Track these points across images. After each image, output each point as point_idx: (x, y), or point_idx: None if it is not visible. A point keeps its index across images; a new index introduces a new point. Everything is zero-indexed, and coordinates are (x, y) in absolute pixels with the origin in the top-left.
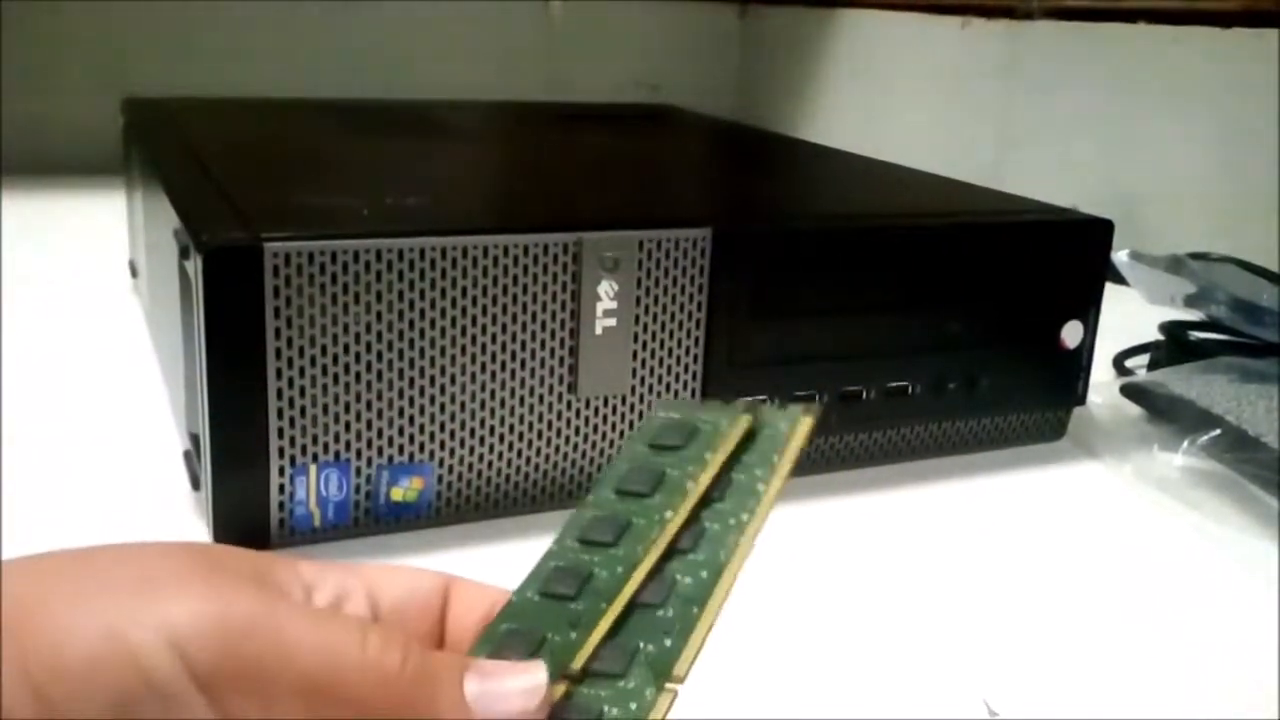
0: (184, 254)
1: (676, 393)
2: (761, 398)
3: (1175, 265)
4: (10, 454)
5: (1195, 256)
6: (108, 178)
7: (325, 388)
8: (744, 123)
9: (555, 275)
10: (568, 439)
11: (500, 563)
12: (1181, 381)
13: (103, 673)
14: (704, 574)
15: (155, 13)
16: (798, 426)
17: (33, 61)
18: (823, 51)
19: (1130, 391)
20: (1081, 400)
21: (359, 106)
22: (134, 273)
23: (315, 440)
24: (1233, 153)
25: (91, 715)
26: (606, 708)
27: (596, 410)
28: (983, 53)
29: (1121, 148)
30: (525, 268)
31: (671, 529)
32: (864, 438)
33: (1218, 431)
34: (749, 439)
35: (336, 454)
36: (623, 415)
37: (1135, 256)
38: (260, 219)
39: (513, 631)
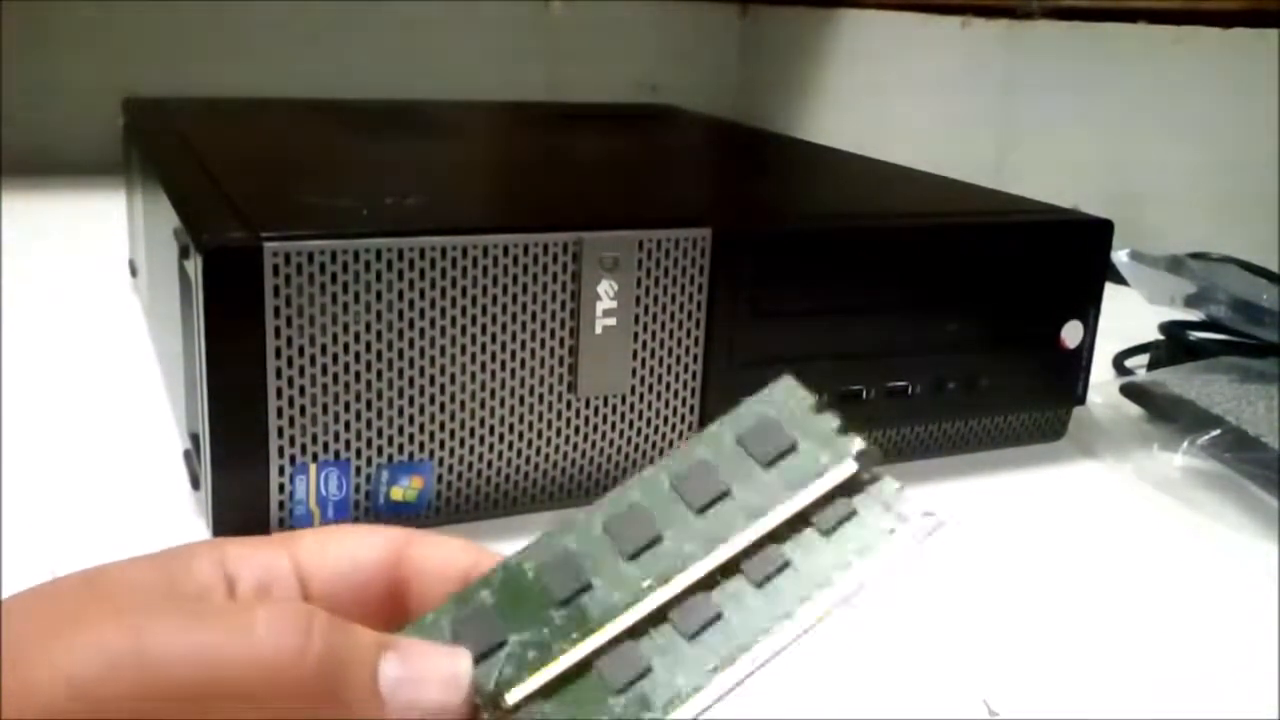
0: (184, 254)
1: (676, 392)
2: (879, 449)
3: (1175, 265)
4: (10, 454)
5: (1195, 256)
6: (108, 178)
7: (325, 387)
8: (744, 123)
9: (555, 275)
10: (567, 439)
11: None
12: (1181, 381)
13: None
14: (680, 682)
15: (155, 13)
16: (898, 536)
17: (33, 61)
18: (823, 51)
19: (1130, 391)
20: (1081, 400)
21: (359, 106)
22: (134, 272)
23: (315, 439)
24: (1233, 153)
25: None
26: None
27: (596, 410)
28: (983, 52)
29: (1121, 148)
30: (525, 267)
31: (687, 577)
32: (864, 438)
33: (1218, 431)
34: (848, 519)
35: (336, 453)
36: (622, 415)
37: (1135, 256)
38: (260, 219)
39: (487, 609)
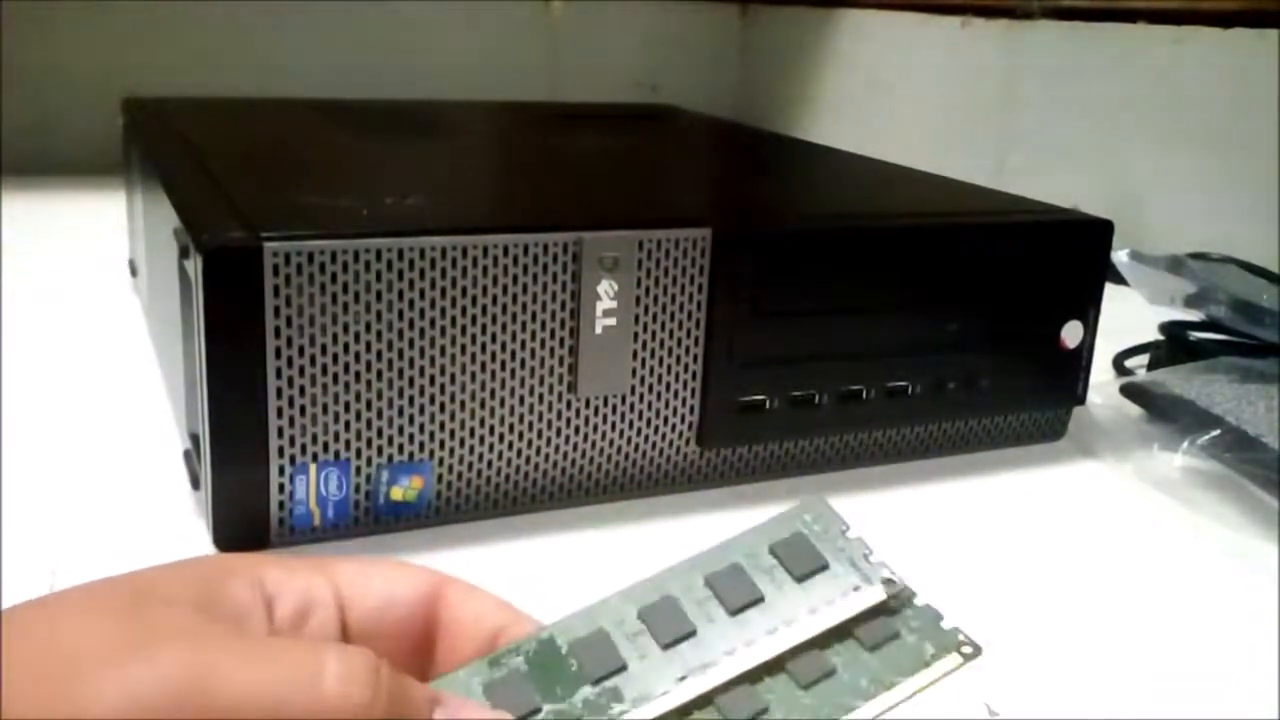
0: (184, 254)
1: (676, 392)
2: (907, 588)
3: (1175, 265)
4: (10, 454)
5: (1195, 256)
6: (108, 178)
7: (325, 387)
8: (744, 123)
9: (555, 275)
10: (567, 439)
11: (500, 562)
12: (1181, 381)
13: None
14: None
15: (155, 13)
16: (941, 659)
17: (33, 62)
18: (823, 51)
19: (1130, 391)
20: (1081, 400)
21: (359, 106)
22: (134, 272)
23: (315, 440)
24: (1233, 153)
25: None
26: None
27: (596, 410)
28: (983, 53)
29: (1121, 148)
30: (525, 267)
31: (717, 676)
32: (864, 438)
33: (1218, 431)
34: (890, 639)
35: (336, 453)
36: (622, 415)
37: (1135, 256)
38: (260, 219)
39: (521, 675)
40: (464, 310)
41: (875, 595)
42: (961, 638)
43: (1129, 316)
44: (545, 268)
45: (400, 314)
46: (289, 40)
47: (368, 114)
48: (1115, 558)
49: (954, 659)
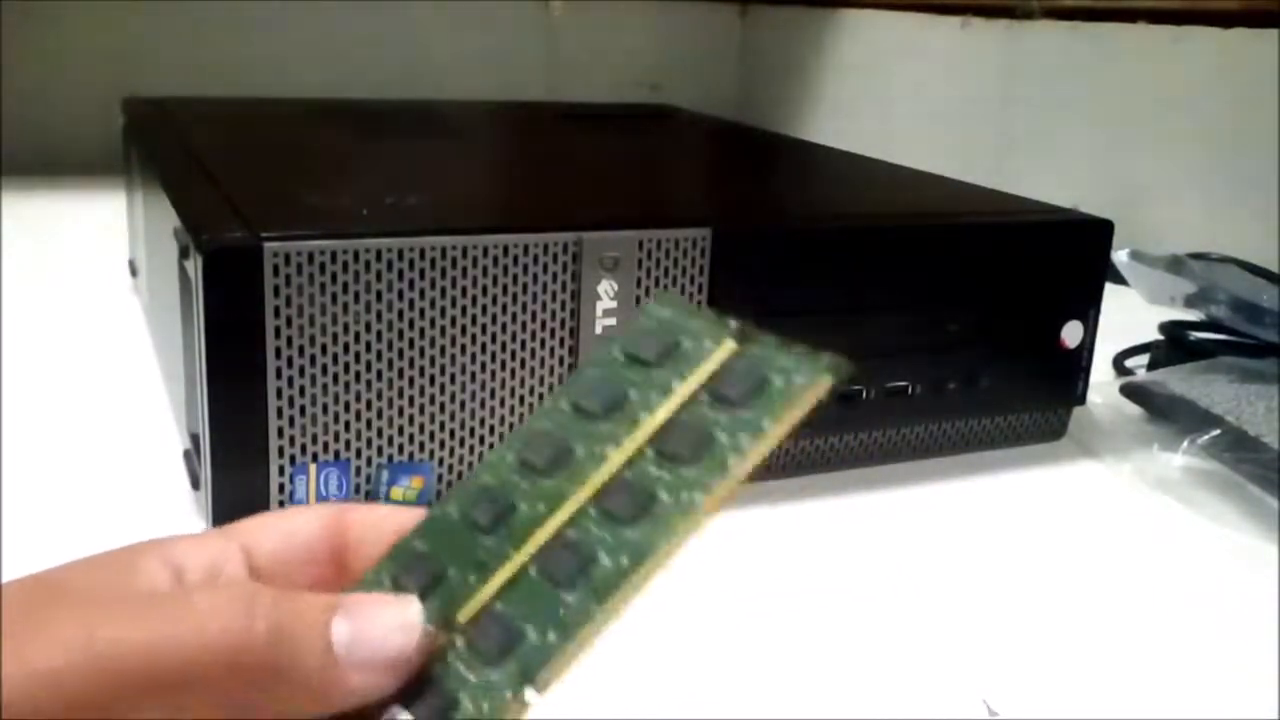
0: (184, 254)
1: None
2: (753, 326)
3: (1175, 265)
4: (10, 454)
5: (1195, 256)
6: (108, 178)
7: (325, 387)
8: (744, 123)
9: (555, 275)
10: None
11: None
12: (1181, 381)
13: None
14: (625, 560)
15: (155, 13)
16: (811, 387)
17: (33, 61)
18: (823, 51)
19: (1130, 391)
20: (1081, 400)
21: (359, 106)
22: (134, 272)
23: (315, 440)
24: (1233, 152)
25: None
26: (464, 696)
27: None
28: (983, 53)
29: (1121, 148)
30: (525, 267)
31: (605, 470)
32: (864, 438)
33: (1218, 431)
34: (756, 389)
35: (336, 453)
36: None
37: (1135, 256)
38: (260, 219)
39: (421, 554)
40: (464, 310)
41: (729, 347)
42: (827, 360)
43: (1129, 316)
44: (545, 268)
45: (400, 314)
46: (289, 40)
47: (368, 114)
48: (1115, 558)
49: (822, 384)
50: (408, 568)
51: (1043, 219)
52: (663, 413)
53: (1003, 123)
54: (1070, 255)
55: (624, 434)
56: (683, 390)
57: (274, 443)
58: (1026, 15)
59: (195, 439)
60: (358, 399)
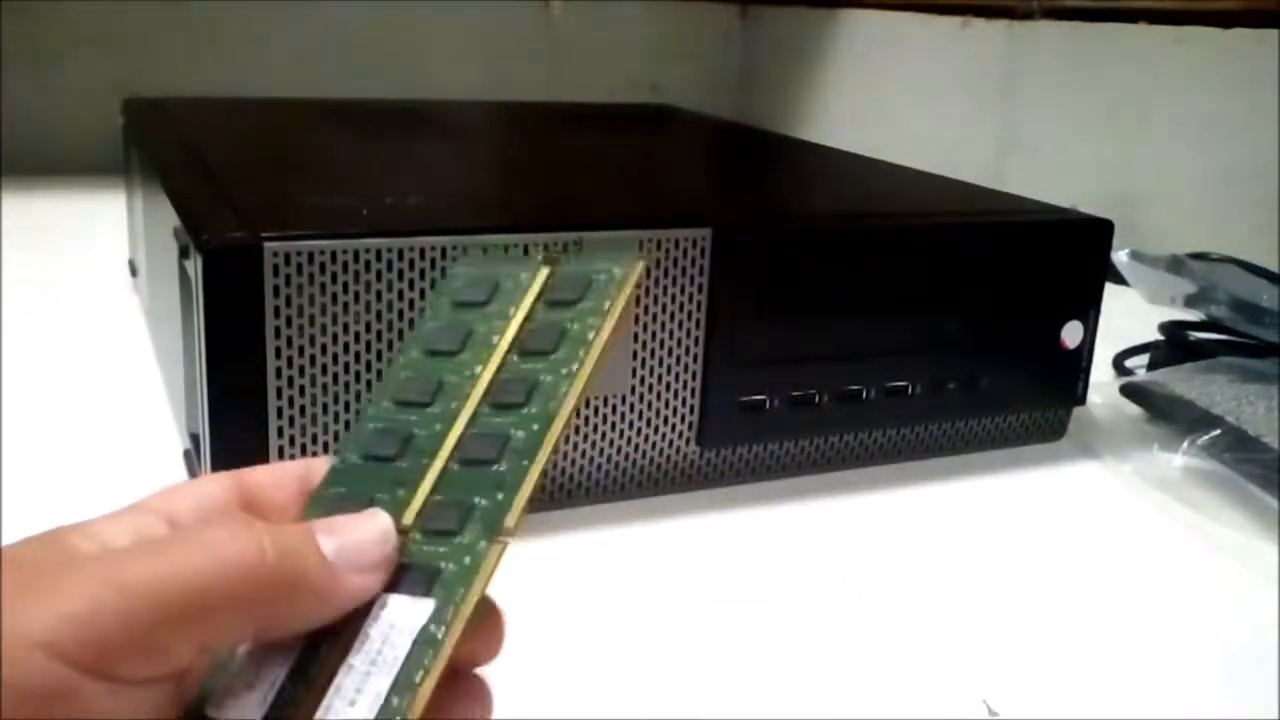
0: (184, 254)
1: (676, 392)
2: (559, 249)
3: (1175, 265)
4: (10, 454)
5: (1195, 256)
6: (108, 178)
7: (325, 387)
8: (744, 123)
9: None
10: (567, 439)
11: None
12: (1181, 381)
13: None
14: (535, 426)
15: (155, 13)
16: (630, 273)
17: (33, 62)
18: (823, 51)
19: (1130, 391)
20: (1081, 400)
21: (359, 106)
22: (134, 272)
23: (315, 440)
24: (1233, 153)
25: None
26: (443, 563)
27: (596, 410)
28: (983, 53)
29: (1121, 148)
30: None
31: (482, 383)
32: (864, 438)
33: (1218, 431)
34: (586, 286)
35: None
36: (623, 415)
37: (1135, 256)
38: (260, 219)
39: (339, 495)
40: None
41: (541, 274)
42: (633, 254)
43: (1129, 316)
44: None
45: (400, 314)
46: (289, 40)
47: (368, 114)
48: (1115, 558)
49: (637, 269)
50: (335, 508)
51: (1042, 219)
52: (511, 330)
53: (1003, 123)
54: (1070, 255)
55: (484, 357)
56: (520, 311)
57: (274, 443)
58: (1026, 15)
59: (195, 439)
60: (358, 399)
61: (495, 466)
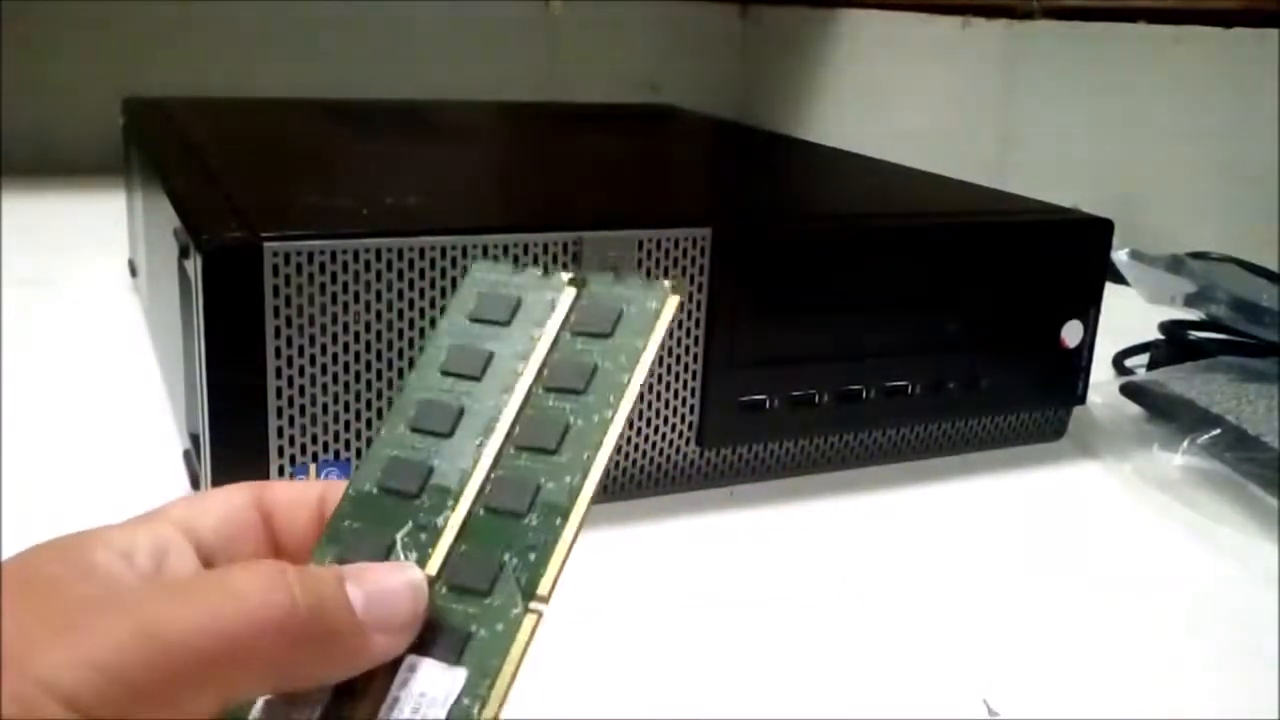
0: (184, 254)
1: (676, 392)
2: (582, 272)
3: (1175, 265)
4: (10, 454)
5: (1195, 256)
6: (108, 178)
7: (325, 387)
8: (744, 123)
9: None
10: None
11: None
12: (1181, 381)
13: None
14: (569, 479)
15: (155, 13)
16: (664, 308)
17: (33, 61)
18: (823, 51)
19: (1130, 391)
20: (1081, 400)
21: (359, 106)
22: (134, 272)
23: (315, 440)
24: (1233, 153)
25: None
26: (473, 627)
27: None
28: (983, 53)
29: (1121, 148)
30: (525, 267)
31: (506, 418)
32: (864, 438)
33: (1218, 431)
34: (617, 319)
35: (336, 453)
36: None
37: (1135, 256)
38: (260, 219)
39: (358, 531)
40: None
41: (568, 295)
42: (669, 283)
43: (1129, 316)
44: (545, 268)
45: (400, 314)
46: (289, 40)
47: (368, 114)
48: (1115, 558)
49: (672, 303)
50: (353, 547)
51: (1042, 219)
52: (536, 360)
53: (1003, 123)
54: (1070, 255)
55: (507, 386)
56: (545, 338)
57: (274, 443)
58: (1026, 15)
59: (195, 439)
60: (358, 399)
61: (525, 520)
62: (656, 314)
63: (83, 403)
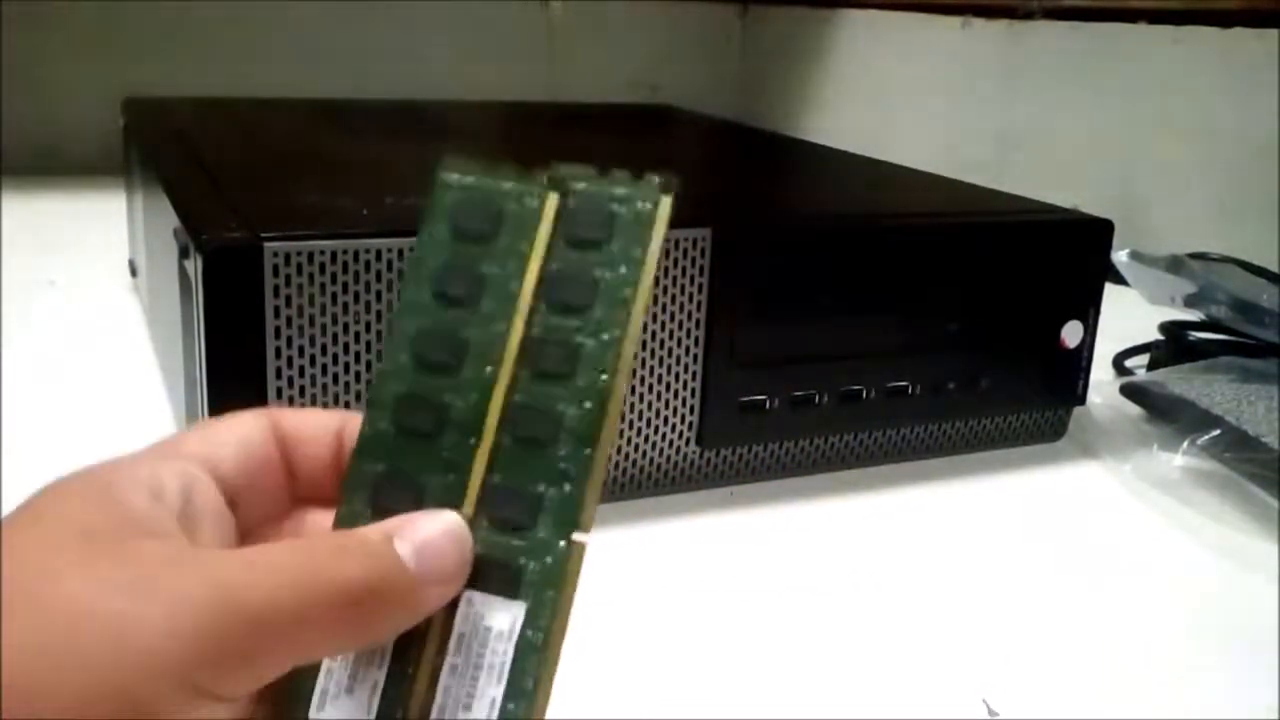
0: (184, 254)
1: (676, 392)
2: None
3: (1175, 265)
4: (10, 454)
5: (1195, 256)
6: (108, 178)
7: (325, 387)
8: (744, 123)
9: None
10: None
11: None
12: (1181, 381)
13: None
14: (588, 404)
15: (155, 13)
16: (660, 207)
17: (33, 61)
18: (823, 51)
19: (1130, 391)
20: (1081, 400)
21: (359, 106)
22: (134, 272)
23: None
24: (1233, 153)
25: None
26: (523, 559)
27: None
28: (983, 53)
29: (1121, 148)
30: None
31: (513, 342)
32: (864, 438)
33: (1218, 431)
34: (610, 222)
35: None
36: (622, 415)
37: (1135, 256)
38: (260, 219)
39: (384, 474)
40: None
41: (553, 201)
42: (656, 179)
43: (1129, 316)
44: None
45: None
46: (289, 40)
47: (368, 114)
48: (1115, 558)
49: (666, 204)
50: (382, 492)
51: (1043, 219)
52: (532, 275)
53: (1003, 123)
54: (1070, 255)
55: (507, 310)
56: (537, 250)
57: None
58: (1026, 15)
59: None
60: (358, 399)
61: (554, 449)
62: (651, 217)
63: (83, 403)
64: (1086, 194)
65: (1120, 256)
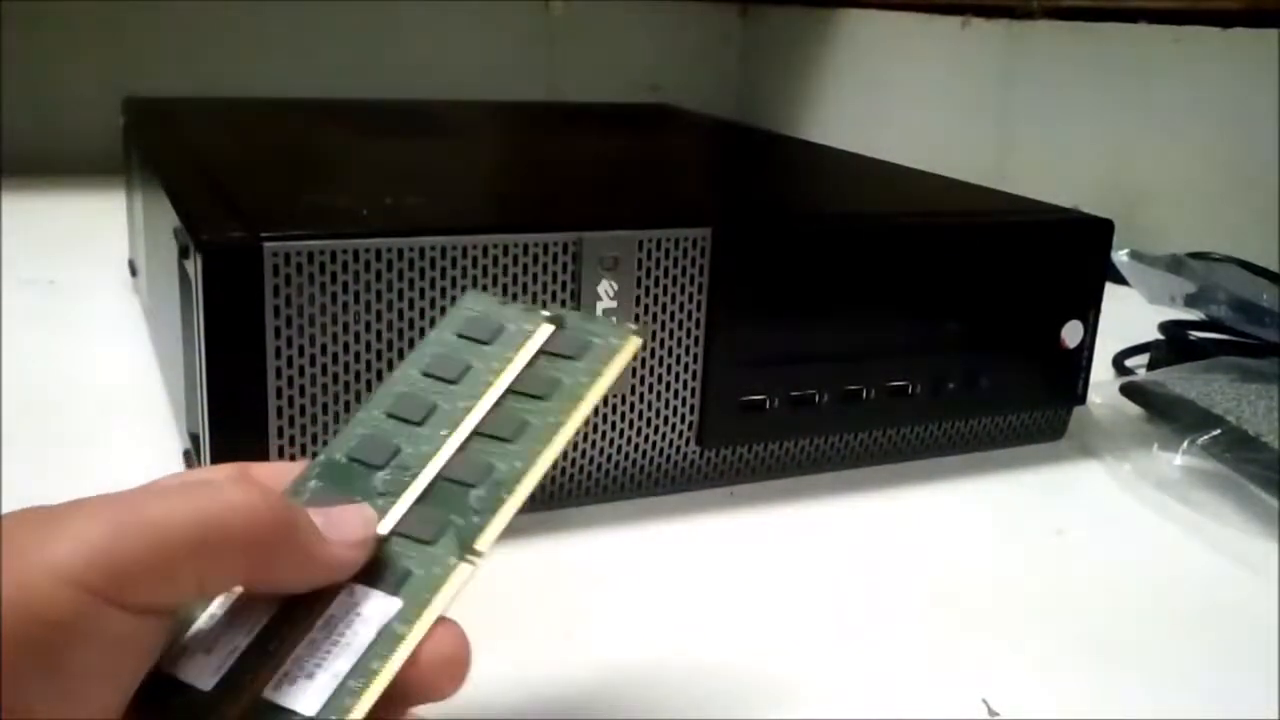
0: (184, 254)
1: (676, 392)
2: (572, 308)
3: (1175, 265)
4: (10, 455)
5: (1195, 256)
6: (108, 178)
7: (325, 387)
8: (744, 123)
9: (555, 275)
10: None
11: (500, 563)
12: (1181, 381)
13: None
14: (518, 464)
15: (155, 13)
16: (626, 345)
17: (33, 61)
18: (823, 51)
19: (1130, 391)
20: (1081, 400)
21: (359, 106)
22: (134, 272)
23: (315, 439)
24: (1233, 153)
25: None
26: (413, 567)
27: (596, 410)
28: (983, 53)
29: (1121, 148)
30: (525, 267)
31: (474, 417)
32: (864, 437)
33: (1218, 431)
34: (585, 348)
35: None
36: (622, 415)
37: (1135, 256)
38: (260, 219)
39: (322, 489)
40: None
41: (547, 329)
42: (632, 326)
43: (1129, 316)
44: (545, 268)
45: (400, 314)
46: (290, 40)
47: (368, 114)
48: (1115, 558)
49: (633, 344)
50: (313, 499)
51: (1043, 219)
52: (509, 374)
53: (1003, 123)
54: (1070, 255)
55: (478, 392)
56: (519, 358)
57: (274, 443)
58: (1026, 15)
59: (195, 439)
60: (357, 399)
61: (475, 491)
62: (618, 349)
63: (83, 403)
64: (1086, 194)
65: (1120, 256)
